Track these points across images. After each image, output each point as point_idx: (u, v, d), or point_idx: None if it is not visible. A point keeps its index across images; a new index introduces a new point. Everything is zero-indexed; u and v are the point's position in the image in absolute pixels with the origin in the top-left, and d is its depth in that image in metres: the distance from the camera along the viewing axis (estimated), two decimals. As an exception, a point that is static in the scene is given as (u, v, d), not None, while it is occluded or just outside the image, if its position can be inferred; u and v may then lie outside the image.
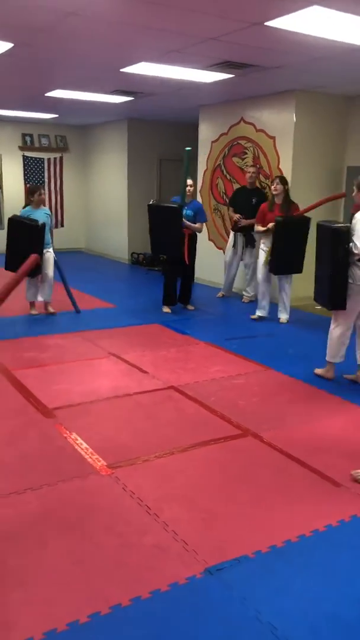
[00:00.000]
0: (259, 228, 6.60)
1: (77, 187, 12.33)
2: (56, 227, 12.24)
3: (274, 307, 6.84)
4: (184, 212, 6.65)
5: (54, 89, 7.44)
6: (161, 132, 10.71)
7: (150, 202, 6.87)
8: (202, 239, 9.02)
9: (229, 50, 5.07)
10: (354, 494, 3.00)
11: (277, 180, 6.46)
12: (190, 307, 7.28)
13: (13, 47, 5.10)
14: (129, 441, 3.58)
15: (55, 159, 11.96)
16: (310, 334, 6.16)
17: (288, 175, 7.27)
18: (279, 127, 7.37)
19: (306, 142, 7.28)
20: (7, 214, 8.14)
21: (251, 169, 7.41)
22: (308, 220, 6.29)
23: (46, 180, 11.93)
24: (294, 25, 4.23)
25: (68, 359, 5.19)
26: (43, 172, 11.88)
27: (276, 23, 4.18)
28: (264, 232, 6.49)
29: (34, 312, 6.83)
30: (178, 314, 7.02)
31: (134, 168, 10.77)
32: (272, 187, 6.51)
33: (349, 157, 7.54)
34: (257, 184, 7.60)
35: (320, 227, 4.66)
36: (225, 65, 5.69)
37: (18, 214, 6.76)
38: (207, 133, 8.73)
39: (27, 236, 6.22)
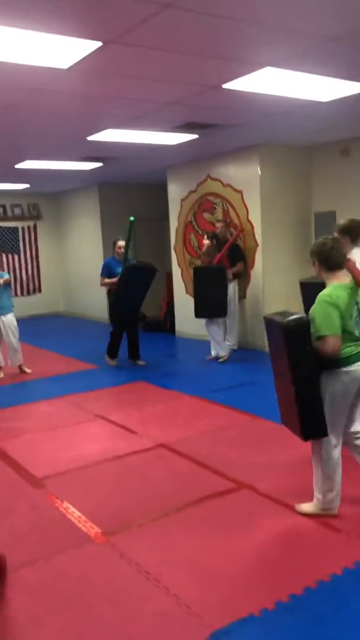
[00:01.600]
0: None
1: (52, 252, 12.47)
2: (34, 292, 12.32)
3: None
4: (118, 269, 7.05)
5: (23, 161, 7.62)
6: (132, 194, 10.96)
7: (132, 262, 7.05)
8: (180, 293, 9.14)
9: (191, 112, 5.29)
10: (356, 539, 2.95)
11: (205, 236, 7.34)
12: (140, 363, 7.27)
13: (-19, 124, 5.26)
14: (123, 505, 3.50)
15: (29, 227, 12.13)
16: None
17: (258, 226, 7.47)
18: (245, 181, 7.61)
19: (273, 193, 7.51)
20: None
21: (218, 224, 7.63)
22: (222, 268, 7.09)
23: (21, 248, 12.05)
24: (250, 86, 4.45)
25: (54, 425, 5.11)
26: (17, 240, 12.01)
27: (233, 85, 4.39)
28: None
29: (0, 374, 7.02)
30: (161, 369, 7.00)
31: (108, 230, 10.94)
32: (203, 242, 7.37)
33: (316, 204, 7.78)
34: (229, 236, 7.78)
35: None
36: (189, 127, 5.91)
37: None
38: (176, 192, 8.97)
39: None
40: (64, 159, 7.63)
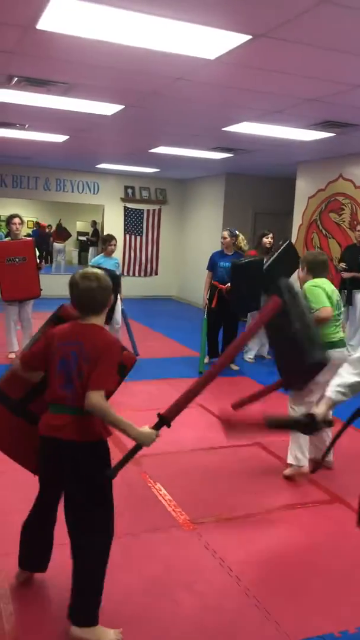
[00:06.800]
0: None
1: (172, 237, 12.71)
2: (150, 275, 12.66)
3: None
4: (221, 263, 6.86)
5: (158, 146, 7.80)
6: (258, 186, 10.87)
7: (238, 262, 6.64)
8: (295, 292, 8.96)
9: (330, 110, 5.13)
10: None
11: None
12: (234, 367, 6.83)
13: (124, 108, 5.44)
14: (213, 496, 3.53)
15: (154, 210, 12.44)
16: None
17: (386, 232, 7.14)
18: (379, 184, 7.29)
19: None
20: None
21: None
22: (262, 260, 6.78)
23: (144, 230, 12.40)
24: None
25: (155, 405, 5.22)
26: (142, 222, 12.37)
27: (381, 85, 4.20)
28: None
29: None
30: (267, 367, 6.93)
31: (229, 221, 10.94)
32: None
33: None
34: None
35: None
36: (326, 125, 5.74)
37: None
38: (304, 188, 8.77)
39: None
40: (196, 147, 7.71)
